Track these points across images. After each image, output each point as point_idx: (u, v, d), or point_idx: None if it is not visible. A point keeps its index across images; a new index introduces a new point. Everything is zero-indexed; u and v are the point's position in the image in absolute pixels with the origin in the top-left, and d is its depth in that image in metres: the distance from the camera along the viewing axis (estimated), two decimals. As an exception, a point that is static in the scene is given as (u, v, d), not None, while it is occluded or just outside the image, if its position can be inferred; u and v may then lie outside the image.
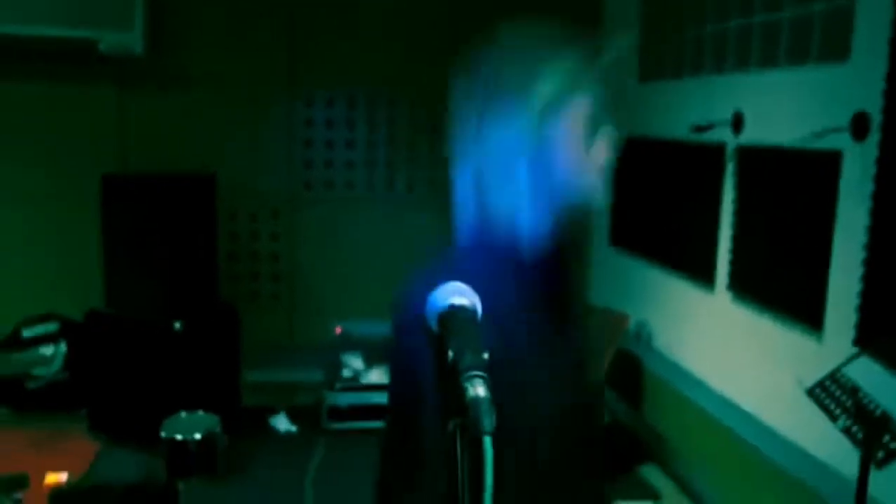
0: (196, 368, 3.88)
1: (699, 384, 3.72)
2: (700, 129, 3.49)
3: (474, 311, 0.87)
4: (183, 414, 3.60)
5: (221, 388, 4.04)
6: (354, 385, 4.27)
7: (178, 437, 3.46)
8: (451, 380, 0.78)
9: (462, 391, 0.76)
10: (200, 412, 3.63)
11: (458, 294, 0.88)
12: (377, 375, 4.28)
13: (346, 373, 4.34)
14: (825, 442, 2.69)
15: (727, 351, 3.52)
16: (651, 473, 3.88)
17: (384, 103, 4.81)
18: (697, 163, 3.71)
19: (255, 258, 4.82)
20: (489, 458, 0.73)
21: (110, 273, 4.04)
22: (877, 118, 2.56)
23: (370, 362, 4.40)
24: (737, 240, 3.44)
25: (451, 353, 0.79)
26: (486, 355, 0.79)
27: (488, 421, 0.73)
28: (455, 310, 0.85)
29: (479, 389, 0.75)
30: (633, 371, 4.17)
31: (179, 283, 4.03)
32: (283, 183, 4.78)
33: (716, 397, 3.56)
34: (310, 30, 4.66)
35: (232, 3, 4.60)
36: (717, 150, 3.52)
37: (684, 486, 3.74)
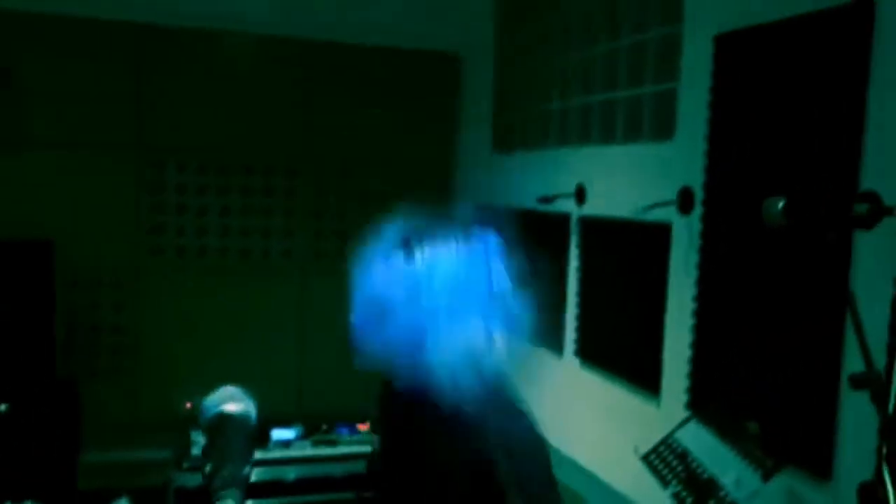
0: (26, 453, 3.60)
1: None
2: (545, 199, 3.62)
3: (244, 419, 0.83)
4: (6, 505, 3.32)
5: (55, 473, 3.76)
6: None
7: (-1, 531, 3.18)
8: (210, 491, 0.74)
9: (213, 508, 0.72)
10: (29, 502, 3.37)
11: (231, 400, 0.83)
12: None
13: (196, 451, 4.12)
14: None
15: (576, 415, 3.59)
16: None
17: (239, 170, 4.72)
18: (546, 233, 3.84)
19: (97, 330, 4.54)
20: None
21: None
22: (699, 193, 2.73)
23: (222, 438, 4.20)
24: (581, 307, 3.56)
25: (208, 467, 0.75)
26: (246, 469, 0.75)
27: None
28: (223, 418, 0.81)
29: (227, 509, 0.72)
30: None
31: (9, 360, 3.76)
32: (128, 250, 4.56)
33: (564, 460, 3.62)
34: (157, 95, 4.53)
35: (76, 62, 4.41)
36: (564, 220, 3.66)
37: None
